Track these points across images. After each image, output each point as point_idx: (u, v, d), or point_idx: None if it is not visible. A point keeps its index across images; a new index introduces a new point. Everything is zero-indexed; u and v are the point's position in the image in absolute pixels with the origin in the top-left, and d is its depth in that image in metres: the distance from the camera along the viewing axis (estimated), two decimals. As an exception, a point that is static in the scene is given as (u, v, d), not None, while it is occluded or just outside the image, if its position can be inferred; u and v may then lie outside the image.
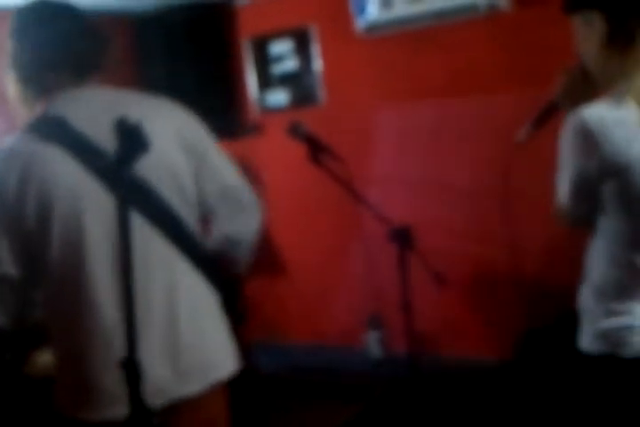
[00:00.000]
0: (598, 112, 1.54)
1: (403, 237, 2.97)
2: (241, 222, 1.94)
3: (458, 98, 3.75)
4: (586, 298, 1.69)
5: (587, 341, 1.67)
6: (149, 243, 1.74)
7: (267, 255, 4.55)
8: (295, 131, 3.24)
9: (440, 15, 3.73)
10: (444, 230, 3.75)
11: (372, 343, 4.23)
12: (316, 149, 3.22)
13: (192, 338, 1.81)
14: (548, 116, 1.91)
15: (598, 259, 1.66)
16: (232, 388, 1.96)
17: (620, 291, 1.61)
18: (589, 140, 1.53)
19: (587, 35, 1.65)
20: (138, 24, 4.41)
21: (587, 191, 1.60)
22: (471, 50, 3.74)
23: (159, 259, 1.76)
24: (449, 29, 3.78)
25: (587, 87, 1.72)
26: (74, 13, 1.84)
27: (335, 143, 3.27)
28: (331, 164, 3.14)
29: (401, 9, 3.80)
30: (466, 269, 3.68)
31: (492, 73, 3.66)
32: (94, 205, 1.72)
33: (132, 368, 1.39)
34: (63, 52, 1.80)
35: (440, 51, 3.82)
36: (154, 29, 4.39)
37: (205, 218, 1.95)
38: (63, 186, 1.71)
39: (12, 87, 1.86)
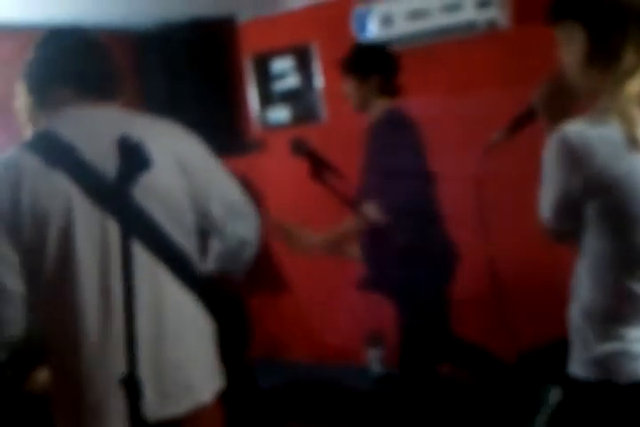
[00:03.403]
0: (582, 130, 1.50)
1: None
2: (245, 229, 1.97)
3: (457, 114, 3.77)
4: (575, 321, 1.61)
5: (578, 366, 1.59)
6: (135, 264, 1.70)
7: (268, 273, 4.55)
8: (298, 147, 3.25)
9: (439, 33, 3.76)
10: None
11: (373, 360, 4.22)
12: (319, 166, 3.23)
13: (177, 359, 1.80)
14: (524, 123, 1.85)
15: (586, 280, 1.59)
16: (232, 405, 1.95)
17: (610, 314, 1.55)
18: (573, 158, 1.49)
19: (568, 48, 1.60)
20: (140, 42, 4.44)
21: (570, 210, 1.56)
22: (470, 67, 3.77)
23: (144, 278, 1.73)
24: (448, 47, 3.80)
25: (566, 97, 1.68)
26: (81, 33, 1.89)
27: (336, 160, 3.29)
28: (333, 180, 3.16)
29: (401, 27, 3.83)
30: (466, 284, 3.68)
31: (491, 89, 3.68)
32: (84, 220, 1.73)
33: (132, 386, 1.40)
34: (66, 68, 1.83)
35: (439, 68, 3.85)
36: (155, 47, 4.42)
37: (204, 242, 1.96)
38: (56, 201, 1.72)
39: (22, 100, 1.90)
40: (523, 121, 1.84)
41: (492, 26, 3.62)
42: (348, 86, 3.17)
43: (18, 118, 1.96)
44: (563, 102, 1.68)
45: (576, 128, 1.50)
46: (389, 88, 3.16)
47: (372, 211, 2.96)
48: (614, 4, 1.53)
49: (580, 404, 1.61)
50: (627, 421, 1.54)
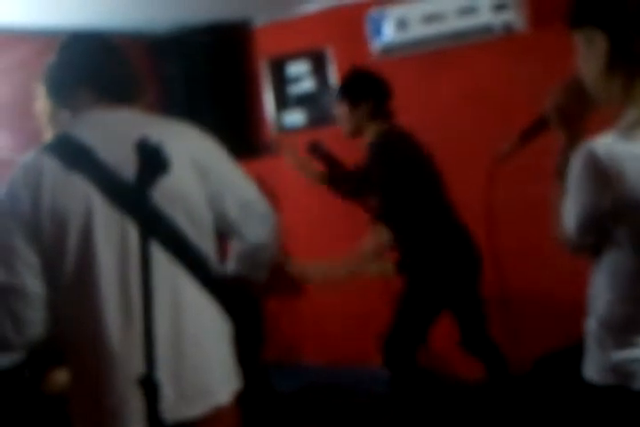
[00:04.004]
0: (610, 145, 1.43)
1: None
2: (262, 231, 1.98)
3: (472, 119, 3.77)
4: (593, 329, 1.60)
5: (594, 371, 1.58)
6: (154, 266, 1.63)
7: (283, 276, 4.55)
8: (314, 150, 3.27)
9: (455, 37, 3.76)
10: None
11: (388, 364, 4.21)
12: (334, 169, 3.25)
13: (195, 361, 1.80)
14: (537, 132, 1.79)
15: (605, 292, 1.56)
16: (247, 408, 1.95)
17: (630, 324, 1.52)
18: (602, 176, 1.42)
19: (587, 54, 1.53)
20: (157, 46, 4.47)
21: (595, 226, 1.51)
22: (487, 71, 3.76)
23: (163, 280, 1.74)
24: (464, 51, 3.80)
25: (582, 105, 1.61)
26: (101, 38, 1.91)
27: (350, 164, 3.29)
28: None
29: (416, 30, 3.83)
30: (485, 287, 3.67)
31: (508, 94, 3.68)
32: (104, 222, 1.75)
33: (150, 387, 1.40)
34: (86, 72, 1.86)
35: (455, 72, 3.85)
36: (172, 51, 4.44)
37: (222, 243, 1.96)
38: (75, 202, 1.74)
39: (42, 103, 1.92)
40: (534, 131, 1.80)
41: (508, 29, 3.61)
42: (340, 111, 3.20)
43: (37, 121, 1.98)
44: (578, 111, 1.62)
45: (604, 144, 1.43)
46: (381, 113, 3.18)
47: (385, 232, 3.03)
48: (638, 9, 1.45)
49: (595, 408, 1.60)
50: None
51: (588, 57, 1.54)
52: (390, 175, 3.02)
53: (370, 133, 3.14)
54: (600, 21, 1.49)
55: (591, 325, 1.60)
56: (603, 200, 1.44)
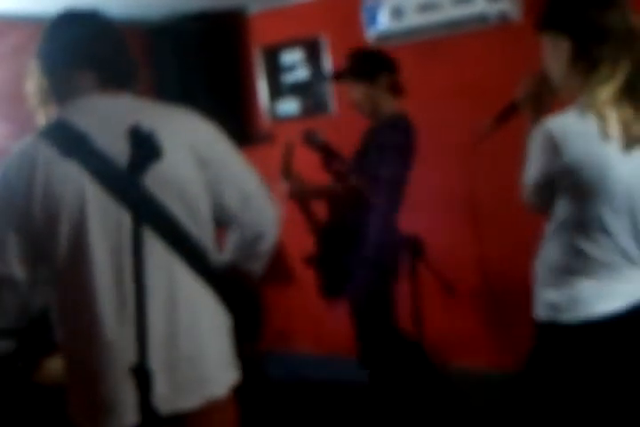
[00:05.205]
0: (563, 123, 1.80)
1: (412, 246, 2.98)
2: (261, 222, 1.95)
3: (466, 107, 3.75)
4: (538, 273, 1.94)
5: (537, 310, 1.92)
6: (149, 255, 1.63)
7: (276, 265, 4.54)
8: (310, 139, 3.27)
9: (450, 25, 3.74)
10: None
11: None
12: (330, 157, 3.25)
13: (190, 353, 1.79)
14: (509, 116, 2.13)
15: (549, 240, 1.92)
16: (240, 397, 1.94)
17: (564, 267, 1.87)
18: (553, 147, 1.79)
19: (553, 53, 1.88)
20: (151, 33, 4.44)
21: (547, 187, 1.86)
22: (481, 60, 3.75)
23: (158, 268, 1.73)
24: (459, 40, 3.78)
25: (547, 93, 1.97)
26: (99, 18, 1.89)
27: (346, 152, 3.28)
28: (343, 171, 3.17)
29: (411, 19, 3.82)
30: (475, 278, 3.67)
31: (502, 83, 3.66)
32: (97, 209, 1.73)
33: (142, 376, 1.40)
34: (87, 52, 1.82)
35: (450, 61, 3.83)
36: (166, 39, 4.42)
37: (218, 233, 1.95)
38: (69, 189, 1.72)
39: (36, 86, 1.89)
40: (508, 114, 2.13)
41: (503, 18, 3.60)
42: (357, 92, 3.19)
43: (28, 104, 1.95)
44: (543, 98, 1.98)
45: (558, 122, 1.81)
46: (396, 87, 3.21)
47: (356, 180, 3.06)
48: (600, 23, 1.80)
49: (540, 341, 1.95)
50: (576, 355, 1.86)
51: (553, 56, 1.88)
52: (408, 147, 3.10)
53: (383, 113, 3.17)
54: (566, 28, 1.84)
55: (537, 269, 1.95)
56: (553, 165, 1.81)
